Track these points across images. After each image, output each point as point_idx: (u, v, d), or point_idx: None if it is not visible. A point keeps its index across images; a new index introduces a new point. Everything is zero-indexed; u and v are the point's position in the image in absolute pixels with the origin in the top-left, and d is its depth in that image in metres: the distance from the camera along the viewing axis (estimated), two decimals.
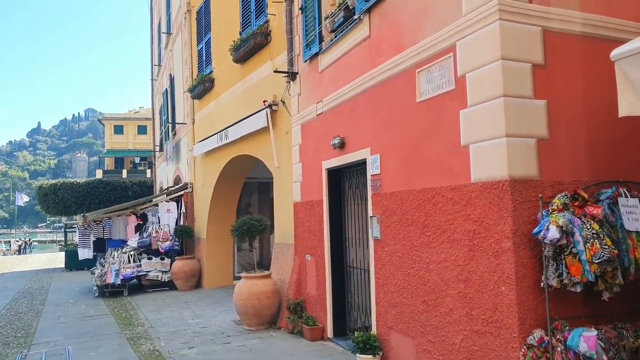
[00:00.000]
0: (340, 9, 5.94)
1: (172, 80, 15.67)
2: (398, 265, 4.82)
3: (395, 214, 4.85)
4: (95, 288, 11.82)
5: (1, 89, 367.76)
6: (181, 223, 12.81)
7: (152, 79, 21.65)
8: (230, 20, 10.27)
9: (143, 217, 13.10)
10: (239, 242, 12.57)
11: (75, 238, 13.90)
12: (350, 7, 5.78)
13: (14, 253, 41.18)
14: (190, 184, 13.01)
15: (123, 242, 12.91)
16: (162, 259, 12.21)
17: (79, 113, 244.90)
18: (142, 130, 54.75)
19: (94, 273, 13.07)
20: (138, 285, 12.13)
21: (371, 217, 5.28)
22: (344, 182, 6.50)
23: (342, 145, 5.94)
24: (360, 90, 5.58)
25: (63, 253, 22.39)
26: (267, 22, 8.51)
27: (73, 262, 19.62)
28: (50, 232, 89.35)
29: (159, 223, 12.92)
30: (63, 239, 25.71)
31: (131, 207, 13.27)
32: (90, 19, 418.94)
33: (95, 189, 22.22)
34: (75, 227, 14.16)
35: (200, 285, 12.06)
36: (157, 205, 13.16)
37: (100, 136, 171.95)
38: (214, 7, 11.30)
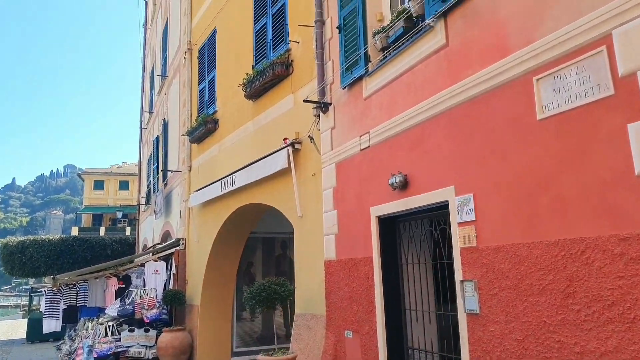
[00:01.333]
0: (399, 19, 4.89)
1: (165, 125, 14.53)
2: (516, 355, 3.41)
3: (507, 277, 3.51)
4: None
5: None
6: (170, 287, 11.18)
7: (140, 128, 20.58)
8: (240, 54, 9.29)
9: (126, 280, 11.44)
10: (238, 309, 10.94)
11: (41, 305, 12.05)
12: (415, 15, 4.73)
13: None
14: (183, 240, 11.52)
15: (100, 311, 11.17)
16: (147, 330, 10.47)
17: (57, 169, 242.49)
18: (124, 185, 53.34)
19: (60, 349, 11.24)
20: None
21: (461, 281, 3.93)
22: (402, 233, 5.18)
23: (404, 185, 4.68)
24: (433, 113, 4.41)
25: (26, 320, 20.17)
26: (288, 50, 7.49)
27: (36, 333, 17.46)
28: (14, 296, 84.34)
29: (144, 287, 11.27)
30: (27, 304, 23.42)
31: (112, 267, 11.64)
32: (73, 75, 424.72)
33: (70, 247, 20.43)
34: (42, 291, 12.37)
35: None
36: (143, 266, 11.55)
37: (78, 193, 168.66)
38: (220, 42, 10.37)
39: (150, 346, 10.35)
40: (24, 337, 18.73)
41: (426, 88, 4.53)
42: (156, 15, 18.05)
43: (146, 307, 10.58)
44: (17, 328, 24.98)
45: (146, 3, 21.20)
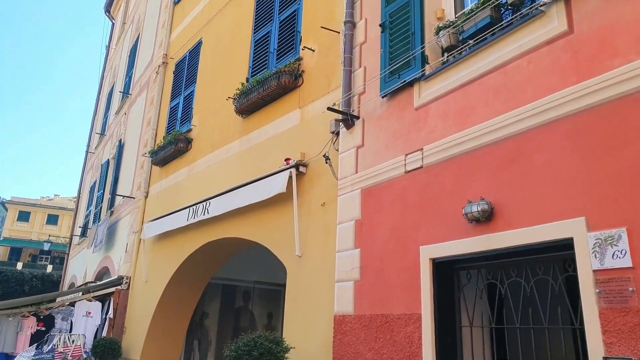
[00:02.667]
0: (484, 7, 3.78)
1: (120, 147, 12.65)
2: None
3: None
4: None
5: None
6: (104, 334, 8.98)
7: (87, 152, 18.33)
8: (230, 66, 7.95)
9: (48, 322, 9.12)
10: None
11: None
12: (510, 1, 3.64)
13: None
14: (127, 278, 9.45)
15: (8, 358, 8.73)
16: None
17: None
18: (52, 220, 48.75)
19: None
20: None
21: (605, 358, 2.56)
22: (463, 284, 3.80)
23: (488, 217, 3.36)
24: (541, 121, 3.21)
25: None
26: (298, 60, 6.24)
27: None
28: None
29: (71, 332, 8.99)
30: None
31: (33, 303, 9.30)
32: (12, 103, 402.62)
33: None
34: None
35: None
36: (73, 306, 9.31)
37: None
38: (204, 54, 9.00)
39: None
40: None
41: (529, 89, 3.35)
42: (124, 35, 16.49)
43: (69, 358, 8.33)
44: None
45: (113, 24, 19.63)
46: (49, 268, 37.83)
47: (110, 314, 9.11)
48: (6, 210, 50.86)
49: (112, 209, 11.76)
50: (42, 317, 9.13)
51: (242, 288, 9.67)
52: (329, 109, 4.97)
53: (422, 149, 4.11)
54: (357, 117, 4.98)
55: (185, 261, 7.87)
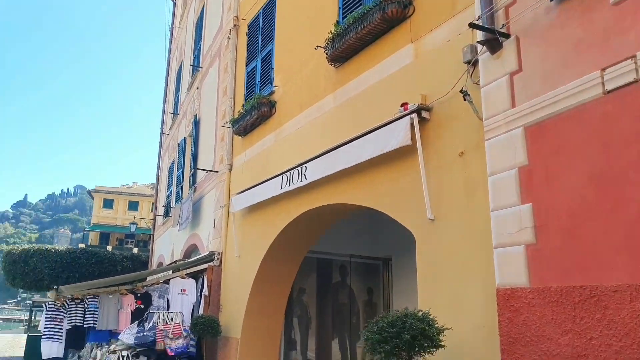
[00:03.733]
0: None
1: (196, 123, 12.01)
2: None
3: None
4: None
5: None
6: (201, 312, 8.41)
7: (161, 133, 18.07)
8: (314, 14, 6.84)
9: (145, 299, 8.67)
10: (286, 347, 8.16)
11: (41, 322, 9.23)
12: None
13: None
14: (218, 254, 8.80)
15: (112, 335, 8.38)
16: None
17: (67, 189, 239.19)
18: (133, 206, 50.66)
19: None
20: None
21: None
22: None
23: None
24: None
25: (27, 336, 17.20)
26: None
27: (35, 353, 14.51)
28: (18, 310, 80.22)
29: (168, 309, 8.50)
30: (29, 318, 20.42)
31: (129, 282, 8.88)
32: (90, 98, 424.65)
33: (77, 260, 17.67)
34: (43, 306, 9.61)
35: None
36: (167, 283, 8.80)
37: (86, 214, 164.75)
38: (281, 7, 7.93)
39: None
40: (22, 355, 15.79)
41: None
42: (187, 10, 15.78)
43: (170, 336, 7.80)
44: (18, 344, 21.78)
45: (174, 4, 19.02)
46: (135, 250, 39.33)
47: (205, 291, 8.52)
48: (92, 198, 53.55)
49: (195, 186, 11.18)
50: (139, 294, 8.69)
51: (338, 262, 8.76)
52: (472, 25, 3.74)
53: (634, 56, 2.83)
54: (508, 36, 3.73)
55: (281, 234, 7.02)
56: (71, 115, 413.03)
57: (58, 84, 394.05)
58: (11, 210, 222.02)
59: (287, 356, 8.05)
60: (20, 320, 55.75)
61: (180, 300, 8.58)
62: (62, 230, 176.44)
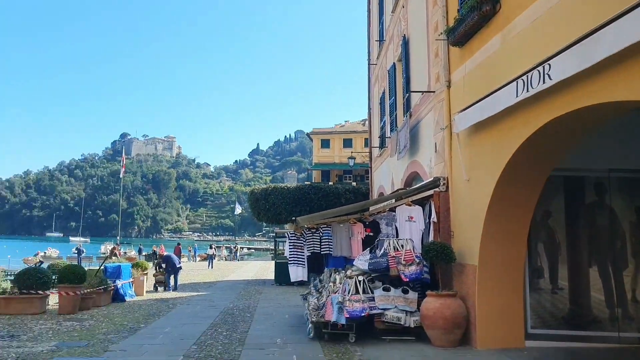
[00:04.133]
0: None
1: (405, 45, 11.52)
2: None
3: None
4: (310, 326, 8.04)
5: (223, 113, 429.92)
6: (431, 239, 8.30)
7: (369, 65, 18.17)
8: None
9: (373, 227, 8.99)
10: (532, 276, 7.46)
11: (285, 250, 10.57)
12: None
13: (225, 259, 44.20)
14: (444, 179, 8.44)
15: (347, 261, 9.00)
16: (406, 291, 7.84)
17: (290, 134, 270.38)
18: (347, 143, 53.94)
19: (306, 299, 9.49)
20: (368, 328, 7.99)
21: None
22: None
23: None
24: None
25: (274, 263, 20.38)
26: None
27: (282, 276, 17.11)
28: (264, 241, 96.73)
29: (397, 237, 8.64)
30: (273, 248, 24.09)
31: (356, 211, 9.30)
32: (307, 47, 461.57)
33: (306, 195, 19.68)
34: (286, 235, 10.91)
35: (468, 341, 7.30)
36: (393, 211, 8.92)
37: (307, 155, 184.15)
38: None
39: (411, 312, 7.71)
40: (273, 278, 18.81)
41: None
42: None
43: (403, 262, 7.93)
44: (268, 269, 26.20)
45: None
46: (353, 184, 42.28)
47: (434, 217, 8.33)
48: (312, 140, 58.90)
49: (410, 111, 10.88)
50: (367, 223, 9.04)
51: (592, 179, 7.44)
52: None
53: None
54: None
55: (519, 150, 6.19)
56: (287, 65, 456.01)
57: (275, 38, 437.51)
58: (249, 158, 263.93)
59: (534, 285, 7.36)
60: (266, 250, 67.27)
61: (409, 227, 8.61)
62: (290, 171, 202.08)
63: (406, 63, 11.42)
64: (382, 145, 15.24)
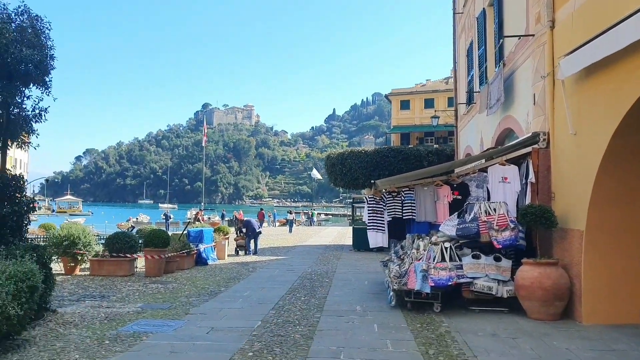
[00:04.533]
0: None
1: None
2: None
3: None
4: (392, 294, 7.71)
5: (300, 80, 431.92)
6: (528, 201, 7.53)
7: (454, 14, 16.91)
8: None
9: (462, 190, 8.36)
10: None
11: (364, 215, 10.18)
12: None
13: (303, 224, 45.28)
14: (544, 134, 7.55)
15: (431, 227, 8.50)
16: (498, 259, 7.22)
17: (367, 98, 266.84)
18: (428, 104, 51.86)
19: (386, 266, 9.16)
20: (455, 297, 7.52)
21: None
22: None
23: None
24: None
25: (351, 228, 20.22)
26: None
27: (360, 242, 16.90)
28: (342, 207, 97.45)
29: (489, 200, 7.96)
30: (351, 214, 23.91)
31: (442, 172, 8.69)
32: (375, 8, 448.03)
33: (385, 159, 19.08)
34: (364, 199, 10.54)
35: (571, 315, 6.61)
36: (485, 172, 8.21)
37: (385, 118, 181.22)
38: None
39: (504, 281, 7.11)
40: (351, 244, 18.71)
41: None
42: None
43: (495, 228, 7.28)
44: (346, 234, 26.23)
45: None
46: (435, 147, 40.82)
47: (532, 177, 7.52)
48: (390, 102, 57.39)
49: (503, 60, 9.87)
50: (455, 185, 8.43)
51: None
52: None
53: None
54: None
55: None
56: (358, 24, 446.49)
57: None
58: (325, 124, 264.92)
59: None
60: (344, 215, 67.70)
61: (502, 189, 7.89)
62: (367, 136, 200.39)
63: (499, 6, 10.32)
64: (470, 101, 14.20)
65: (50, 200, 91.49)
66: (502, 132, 10.41)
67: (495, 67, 10.45)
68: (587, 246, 6.40)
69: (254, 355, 5.15)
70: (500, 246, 7.18)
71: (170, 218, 35.35)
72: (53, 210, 73.87)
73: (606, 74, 5.94)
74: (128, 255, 10.99)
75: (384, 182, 9.11)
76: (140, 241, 11.49)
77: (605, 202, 6.27)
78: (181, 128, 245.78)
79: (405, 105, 54.03)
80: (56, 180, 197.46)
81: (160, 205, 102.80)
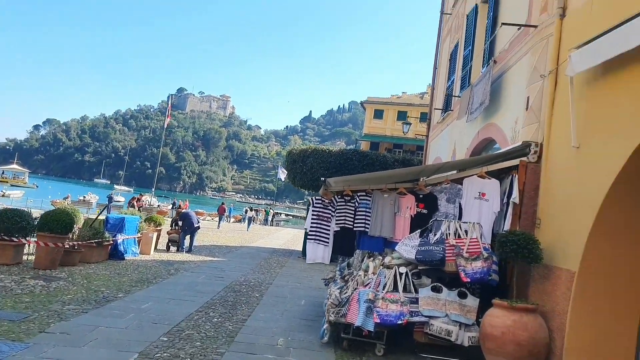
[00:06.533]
0: None
1: None
2: None
3: None
4: (326, 327, 6.08)
5: (279, 78, 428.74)
6: (507, 226, 6.06)
7: (441, 15, 15.59)
8: None
9: (429, 202, 6.84)
10: None
11: (306, 221, 8.35)
12: None
13: (261, 223, 43.52)
14: (536, 145, 6.12)
15: (387, 244, 6.95)
16: (463, 295, 5.72)
17: (343, 105, 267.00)
18: (401, 116, 51.20)
19: (327, 285, 7.64)
20: (403, 337, 5.97)
21: None
22: None
23: None
24: None
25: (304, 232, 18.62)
26: None
27: None
28: (304, 209, 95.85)
29: (461, 218, 6.47)
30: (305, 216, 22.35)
31: (408, 179, 7.15)
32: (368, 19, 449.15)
33: (348, 161, 17.59)
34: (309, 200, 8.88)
35: None
36: (460, 184, 6.71)
37: (358, 127, 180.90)
38: None
39: (467, 325, 5.61)
40: (301, 250, 17.16)
41: None
42: None
43: (465, 255, 5.78)
44: (299, 238, 24.62)
45: None
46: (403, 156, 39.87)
47: (515, 197, 6.06)
48: (364, 109, 56.49)
49: (494, 58, 8.47)
50: (421, 196, 6.91)
51: None
52: None
53: None
54: None
55: None
56: (345, 33, 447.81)
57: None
58: (300, 125, 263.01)
59: None
60: (304, 218, 66.13)
61: (478, 206, 6.41)
62: (339, 142, 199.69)
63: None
64: (447, 107, 12.82)
65: None
66: (480, 142, 9.00)
67: (482, 67, 9.06)
68: (578, 292, 4.95)
69: None
70: (469, 279, 5.67)
71: (112, 200, 32.37)
72: None
73: (626, 75, 4.52)
74: (15, 239, 8.84)
75: (338, 181, 7.52)
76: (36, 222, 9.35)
77: (608, 239, 4.85)
78: (152, 110, 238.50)
79: (378, 114, 53.45)
80: (8, 147, 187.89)
81: (115, 186, 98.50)
